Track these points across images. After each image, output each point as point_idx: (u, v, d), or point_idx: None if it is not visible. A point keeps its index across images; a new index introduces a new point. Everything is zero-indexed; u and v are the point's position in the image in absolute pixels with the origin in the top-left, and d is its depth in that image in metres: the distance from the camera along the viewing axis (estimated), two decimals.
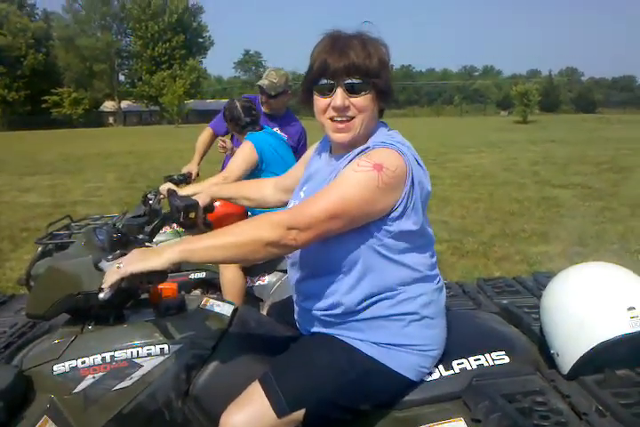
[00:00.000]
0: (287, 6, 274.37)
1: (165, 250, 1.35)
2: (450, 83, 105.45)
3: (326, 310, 1.52)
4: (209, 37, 69.73)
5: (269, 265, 3.08)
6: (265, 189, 2.01)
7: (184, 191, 3.18)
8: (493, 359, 1.52)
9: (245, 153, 3.16)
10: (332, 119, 1.46)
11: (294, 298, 1.65)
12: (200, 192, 3.25)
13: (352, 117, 1.44)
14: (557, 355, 1.49)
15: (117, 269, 1.34)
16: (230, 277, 2.95)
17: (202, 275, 3.16)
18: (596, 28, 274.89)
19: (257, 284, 3.11)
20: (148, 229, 1.81)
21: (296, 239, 1.34)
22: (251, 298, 3.14)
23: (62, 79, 64.49)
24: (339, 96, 1.42)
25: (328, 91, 1.44)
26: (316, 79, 1.45)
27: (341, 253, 1.44)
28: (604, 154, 14.65)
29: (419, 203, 1.44)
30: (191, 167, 4.07)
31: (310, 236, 1.36)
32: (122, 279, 1.34)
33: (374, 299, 1.47)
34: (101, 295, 1.35)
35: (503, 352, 1.54)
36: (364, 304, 1.47)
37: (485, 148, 17.78)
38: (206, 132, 4.31)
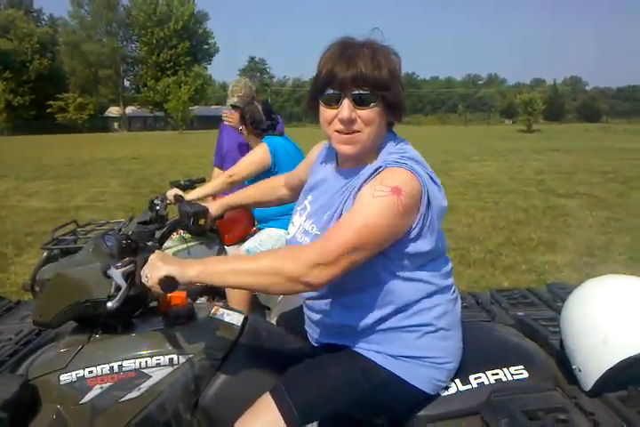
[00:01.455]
0: (292, 13, 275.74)
1: (185, 264, 1.33)
2: (454, 91, 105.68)
3: (340, 325, 1.48)
4: (214, 44, 70.20)
5: None
6: (279, 189, 2.00)
7: (191, 195, 3.16)
8: (512, 374, 1.47)
9: (257, 155, 3.13)
10: (337, 131, 1.41)
11: (305, 311, 1.61)
12: (208, 195, 3.23)
13: (358, 131, 1.39)
14: (579, 370, 1.44)
15: (148, 282, 1.33)
16: None
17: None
18: (600, 38, 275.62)
19: None
20: (157, 235, 1.77)
21: (319, 277, 1.29)
22: (256, 306, 3.10)
23: (67, 84, 64.92)
24: (345, 108, 1.36)
25: (335, 101, 1.37)
26: (323, 89, 1.39)
27: (356, 276, 1.38)
28: (609, 164, 14.62)
29: (435, 222, 1.39)
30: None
31: (335, 271, 1.30)
32: (134, 274, 1.38)
33: (390, 313, 1.43)
34: (110, 304, 1.32)
35: (522, 367, 1.49)
36: (380, 320, 1.44)
37: (490, 156, 17.78)
38: (216, 174, 4.22)
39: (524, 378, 1.47)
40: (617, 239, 6.36)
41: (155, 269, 1.31)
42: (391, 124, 1.49)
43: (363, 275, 1.38)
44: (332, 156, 1.60)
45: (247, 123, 3.31)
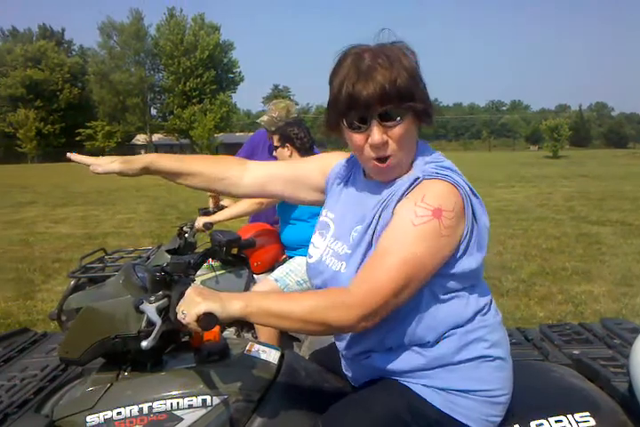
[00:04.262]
0: (316, 42, 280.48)
1: (226, 299, 1.22)
2: (477, 117, 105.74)
3: (384, 359, 1.36)
4: (239, 73, 71.28)
5: None
6: (237, 171, 1.61)
7: (219, 216, 3.08)
8: (577, 421, 1.33)
9: None
10: (372, 159, 1.31)
11: (339, 348, 1.49)
12: (236, 216, 3.13)
13: (390, 156, 1.29)
14: None
15: (185, 319, 1.21)
16: None
17: None
18: (625, 63, 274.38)
19: None
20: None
21: (366, 326, 1.22)
22: (285, 337, 2.99)
23: (96, 113, 66.41)
24: (375, 132, 1.26)
25: (361, 124, 1.27)
26: (345, 112, 1.28)
27: None
28: (639, 190, 14.30)
29: (482, 236, 1.29)
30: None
31: (383, 315, 1.22)
32: (168, 309, 1.27)
33: (440, 342, 1.32)
34: (145, 343, 1.22)
35: (587, 413, 1.35)
36: (428, 350, 1.32)
37: (517, 182, 17.57)
38: None
39: (592, 426, 1.33)
40: None
41: (193, 306, 1.20)
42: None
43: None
44: (358, 168, 1.48)
45: (293, 140, 3.16)
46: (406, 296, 1.23)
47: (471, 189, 1.29)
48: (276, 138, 3.23)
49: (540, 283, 5.67)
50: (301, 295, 1.29)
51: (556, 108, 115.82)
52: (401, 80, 1.24)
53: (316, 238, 1.50)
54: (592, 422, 1.34)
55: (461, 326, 1.33)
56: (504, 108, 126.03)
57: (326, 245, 1.44)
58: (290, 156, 3.18)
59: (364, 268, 1.26)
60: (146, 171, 1.56)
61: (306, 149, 3.18)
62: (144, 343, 1.22)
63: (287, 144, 3.17)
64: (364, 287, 1.21)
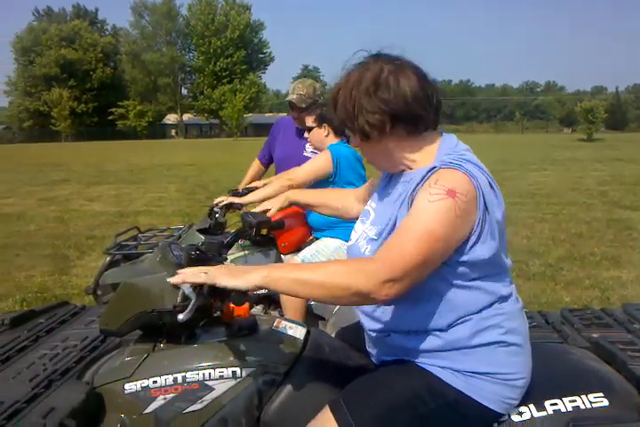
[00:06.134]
0: (345, 22, 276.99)
1: (250, 271, 1.30)
2: (511, 98, 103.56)
3: (402, 340, 1.43)
4: (269, 53, 71.08)
5: None
6: (347, 199, 1.92)
7: (249, 198, 3.14)
8: (591, 402, 1.37)
9: (320, 162, 3.08)
10: None
11: (364, 326, 1.56)
12: (265, 198, 3.18)
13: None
14: None
15: (203, 275, 1.31)
16: None
17: (264, 290, 3.10)
18: None
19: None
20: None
21: (388, 294, 1.25)
22: (310, 316, 3.07)
23: (128, 92, 67.10)
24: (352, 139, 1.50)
25: None
26: None
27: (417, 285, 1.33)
28: None
29: (495, 227, 1.33)
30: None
31: (405, 286, 1.26)
32: (202, 285, 1.32)
33: (455, 327, 1.38)
34: (181, 316, 1.31)
35: (602, 394, 1.39)
36: (443, 333, 1.38)
37: (549, 165, 17.29)
38: (255, 165, 4.21)
39: (605, 406, 1.37)
40: None
41: (220, 274, 1.31)
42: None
43: (423, 283, 1.33)
44: None
45: (330, 120, 3.14)
46: (426, 269, 1.28)
47: (490, 184, 1.33)
48: (311, 119, 3.24)
49: (568, 268, 5.64)
50: (324, 263, 1.37)
51: (591, 90, 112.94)
52: (338, 108, 1.45)
53: (357, 224, 1.61)
54: (606, 402, 1.38)
55: (477, 313, 1.38)
56: (538, 89, 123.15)
57: (362, 230, 1.54)
58: (326, 136, 3.22)
59: (387, 241, 1.33)
60: (289, 203, 2.07)
61: (342, 130, 3.21)
62: (180, 316, 1.30)
63: (325, 124, 3.21)
64: (386, 256, 1.27)
